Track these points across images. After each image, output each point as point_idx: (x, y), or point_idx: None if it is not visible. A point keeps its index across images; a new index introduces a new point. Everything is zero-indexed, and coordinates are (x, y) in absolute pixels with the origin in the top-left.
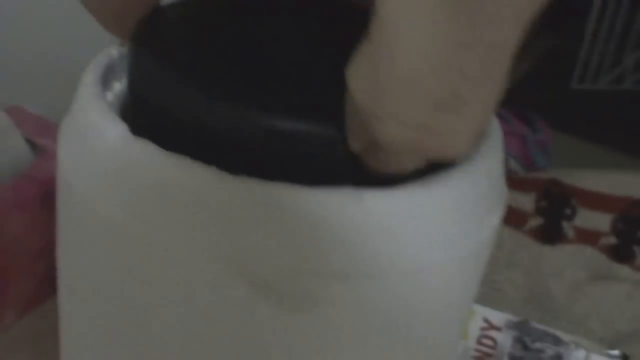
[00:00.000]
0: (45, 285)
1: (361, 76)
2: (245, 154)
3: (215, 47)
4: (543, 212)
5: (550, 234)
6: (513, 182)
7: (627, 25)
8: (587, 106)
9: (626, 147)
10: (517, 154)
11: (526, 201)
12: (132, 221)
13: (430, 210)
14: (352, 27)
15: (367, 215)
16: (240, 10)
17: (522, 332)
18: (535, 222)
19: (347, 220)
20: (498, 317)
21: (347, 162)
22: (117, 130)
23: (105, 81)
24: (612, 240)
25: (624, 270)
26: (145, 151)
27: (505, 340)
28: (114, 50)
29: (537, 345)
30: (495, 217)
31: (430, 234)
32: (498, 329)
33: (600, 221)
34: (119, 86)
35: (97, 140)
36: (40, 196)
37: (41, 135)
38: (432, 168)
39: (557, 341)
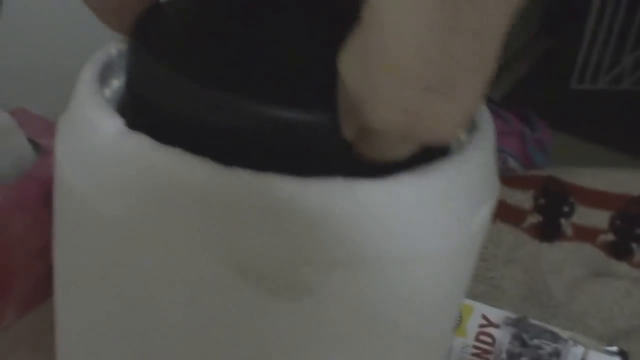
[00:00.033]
0: (46, 284)
1: (352, 63)
2: (239, 145)
3: (211, 41)
4: (541, 209)
5: (548, 232)
6: (511, 179)
7: (625, 26)
8: (586, 106)
9: (625, 146)
10: (516, 153)
11: (525, 199)
12: (128, 216)
13: (421, 201)
14: (344, 16)
15: (359, 205)
16: (237, 5)
17: (521, 329)
18: (533, 219)
19: (338, 211)
20: (496, 314)
21: (339, 153)
22: (113, 125)
23: (104, 78)
24: (611, 237)
25: (622, 267)
26: (142, 145)
27: (503, 337)
28: (112, 47)
29: (536, 342)
30: (486, 208)
31: (421, 224)
32: (496, 326)
33: (598, 218)
34: (117, 83)
35: (93, 135)
36: (43, 196)
37: (44, 135)
38: (424, 159)
39: (555, 338)
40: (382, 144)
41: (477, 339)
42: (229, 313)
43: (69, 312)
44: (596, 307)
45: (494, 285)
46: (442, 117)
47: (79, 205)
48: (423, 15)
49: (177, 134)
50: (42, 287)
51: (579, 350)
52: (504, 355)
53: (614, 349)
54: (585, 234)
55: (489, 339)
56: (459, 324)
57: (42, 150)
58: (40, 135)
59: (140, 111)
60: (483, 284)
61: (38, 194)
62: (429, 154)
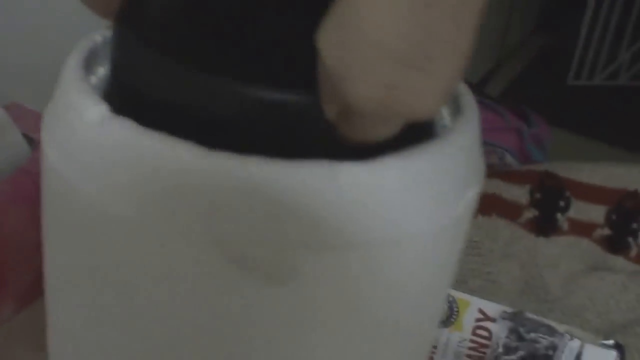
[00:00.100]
0: (43, 279)
1: (330, 39)
2: (223, 128)
3: (195, 24)
4: (538, 204)
5: (545, 226)
6: (508, 174)
7: (622, 22)
8: (583, 102)
9: (621, 141)
10: (513, 149)
11: (521, 194)
12: (113, 201)
13: (406, 184)
14: None
15: (343, 188)
16: None
17: (517, 322)
18: (530, 214)
19: (323, 194)
20: (493, 308)
21: (323, 136)
22: (98, 111)
23: (89, 66)
24: (607, 232)
25: (618, 261)
26: (127, 130)
27: (500, 331)
28: (97, 35)
29: (532, 335)
30: (471, 192)
31: (405, 208)
32: (493, 320)
33: (594, 213)
34: (102, 71)
35: (78, 121)
36: (38, 190)
37: (39, 130)
38: (409, 143)
39: (551, 332)
40: (364, 123)
41: (474, 333)
42: (215, 298)
43: (58, 303)
44: (592, 301)
45: (490, 280)
46: (421, 91)
47: (65, 192)
48: None
49: (162, 118)
50: (38, 283)
51: (575, 343)
52: (500, 349)
53: (610, 342)
54: (582, 229)
55: (485, 333)
56: (455, 318)
57: (37, 145)
58: (35, 130)
59: (124, 96)
60: (480, 279)
61: (33, 188)
62: (413, 138)
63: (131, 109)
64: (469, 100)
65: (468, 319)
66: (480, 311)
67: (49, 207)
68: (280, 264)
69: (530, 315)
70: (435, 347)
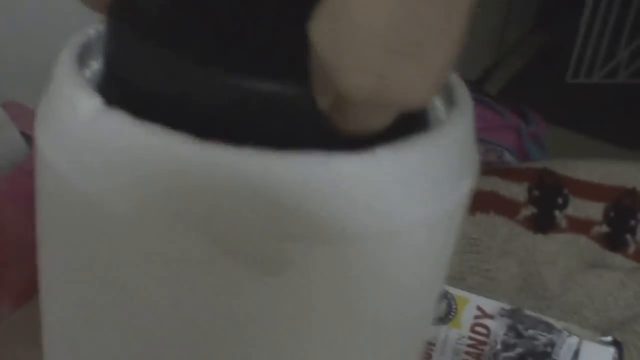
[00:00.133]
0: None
1: (322, 28)
2: (217, 120)
3: (187, 15)
4: (536, 201)
5: (543, 223)
6: (506, 172)
7: (620, 20)
8: (582, 100)
9: (620, 139)
10: (511, 147)
11: (519, 191)
12: (107, 194)
13: (399, 175)
14: None
15: (337, 179)
16: None
17: (515, 319)
18: (528, 211)
19: (316, 185)
20: (491, 305)
21: (316, 127)
22: (92, 104)
23: (82, 60)
24: (605, 229)
25: (616, 258)
26: (120, 122)
27: (498, 328)
28: (90, 29)
29: (530, 332)
30: (465, 185)
31: (399, 199)
32: (491, 317)
33: (592, 210)
34: (96, 65)
35: (72, 114)
36: None
37: None
38: (402, 135)
39: (550, 328)
40: (357, 113)
41: (472, 330)
42: (209, 290)
43: (52, 299)
44: (591, 298)
45: (488, 277)
46: (412, 80)
47: (60, 186)
48: None
49: (155, 111)
50: (36, 281)
51: (573, 340)
52: (499, 346)
53: (609, 339)
54: (580, 226)
55: (484, 330)
56: (454, 315)
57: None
58: (33, 128)
59: (118, 89)
60: (478, 276)
61: (30, 186)
62: (407, 130)
63: (125, 102)
64: (462, 92)
65: (466, 316)
66: (479, 308)
67: (43, 202)
68: (274, 255)
69: (528, 312)
70: (433, 344)
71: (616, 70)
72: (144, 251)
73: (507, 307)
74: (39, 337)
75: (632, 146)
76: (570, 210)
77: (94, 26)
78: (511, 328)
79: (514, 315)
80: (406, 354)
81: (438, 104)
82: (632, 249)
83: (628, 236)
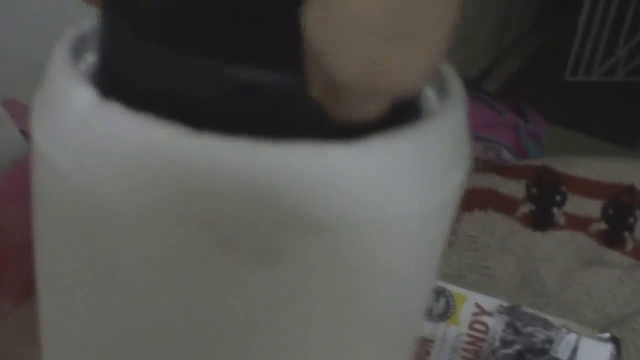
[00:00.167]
0: None
1: (314, 15)
2: (211, 110)
3: (179, 7)
4: (534, 199)
5: (541, 221)
6: (505, 169)
7: (618, 18)
8: (580, 98)
9: (618, 137)
10: (510, 145)
11: (517, 188)
12: (102, 185)
13: (392, 165)
14: None
15: (330, 169)
16: None
17: (514, 316)
18: (526, 208)
19: (310, 174)
20: (489, 302)
21: (310, 117)
22: (87, 96)
23: (77, 53)
24: (603, 226)
25: (614, 256)
26: (115, 114)
27: (496, 325)
28: (85, 23)
29: (529, 329)
30: (458, 174)
31: (391, 188)
32: (489, 314)
33: (590, 207)
34: (91, 58)
35: (67, 106)
36: None
37: None
38: (395, 125)
39: (548, 325)
40: (350, 101)
41: (471, 327)
42: (205, 282)
43: (49, 291)
44: (589, 295)
45: (487, 275)
46: (405, 66)
47: (55, 178)
48: None
49: (150, 102)
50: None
51: (571, 337)
52: (497, 343)
53: (606, 336)
54: (578, 223)
55: (482, 327)
56: (452, 312)
57: None
58: None
59: (113, 81)
60: (476, 274)
61: (30, 184)
62: (400, 120)
63: (120, 94)
64: (455, 83)
65: (465, 313)
66: (477, 305)
67: (39, 195)
68: (267, 245)
69: (526, 309)
70: (432, 341)
71: (614, 68)
72: (141, 243)
73: (505, 304)
74: (39, 335)
75: (630, 144)
76: (568, 208)
77: (88, 19)
78: (509, 325)
79: (512, 313)
80: (399, 345)
81: (431, 95)
82: (630, 246)
83: (626, 233)
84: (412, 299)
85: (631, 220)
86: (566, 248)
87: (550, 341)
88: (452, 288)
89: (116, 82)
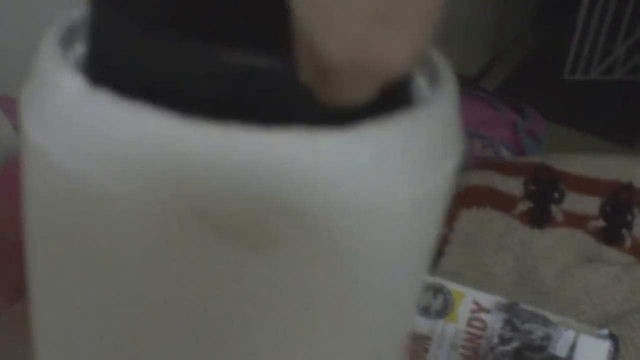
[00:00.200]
0: None
1: None
2: (201, 96)
3: None
4: (532, 196)
5: (539, 218)
6: (503, 166)
7: (617, 16)
8: (579, 96)
9: (617, 136)
10: (508, 143)
11: (515, 186)
12: (91, 172)
13: (382, 152)
14: None
15: (320, 155)
16: None
17: (512, 313)
18: (524, 206)
19: (300, 161)
20: (487, 299)
21: (300, 104)
22: (75, 83)
23: (66, 42)
24: (601, 223)
25: (612, 253)
26: (103, 101)
27: (495, 322)
28: (74, 12)
29: (527, 326)
30: (449, 163)
31: (382, 175)
32: (488, 311)
33: (588, 205)
34: (80, 47)
35: (56, 94)
36: None
37: None
38: (385, 112)
39: (546, 322)
40: (339, 84)
41: (469, 324)
42: (198, 268)
43: (41, 287)
44: (587, 292)
45: (485, 272)
46: (391, 46)
47: (45, 166)
48: None
49: (140, 90)
50: None
51: (569, 334)
52: (495, 340)
53: (605, 332)
54: (576, 220)
55: (480, 324)
56: (450, 309)
57: None
58: None
59: (102, 69)
60: (474, 271)
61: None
62: (391, 108)
63: (109, 82)
64: (446, 71)
65: (463, 310)
66: (475, 302)
67: (30, 184)
68: (258, 229)
69: (525, 306)
70: (430, 338)
71: (613, 66)
72: (133, 230)
73: (503, 301)
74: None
75: (629, 142)
76: (566, 205)
77: (77, 9)
78: (507, 322)
79: (510, 309)
80: (391, 334)
81: (421, 83)
82: (628, 243)
83: (624, 231)
84: (404, 287)
85: (629, 217)
86: (564, 245)
87: (548, 338)
88: (450, 285)
89: (106, 71)
